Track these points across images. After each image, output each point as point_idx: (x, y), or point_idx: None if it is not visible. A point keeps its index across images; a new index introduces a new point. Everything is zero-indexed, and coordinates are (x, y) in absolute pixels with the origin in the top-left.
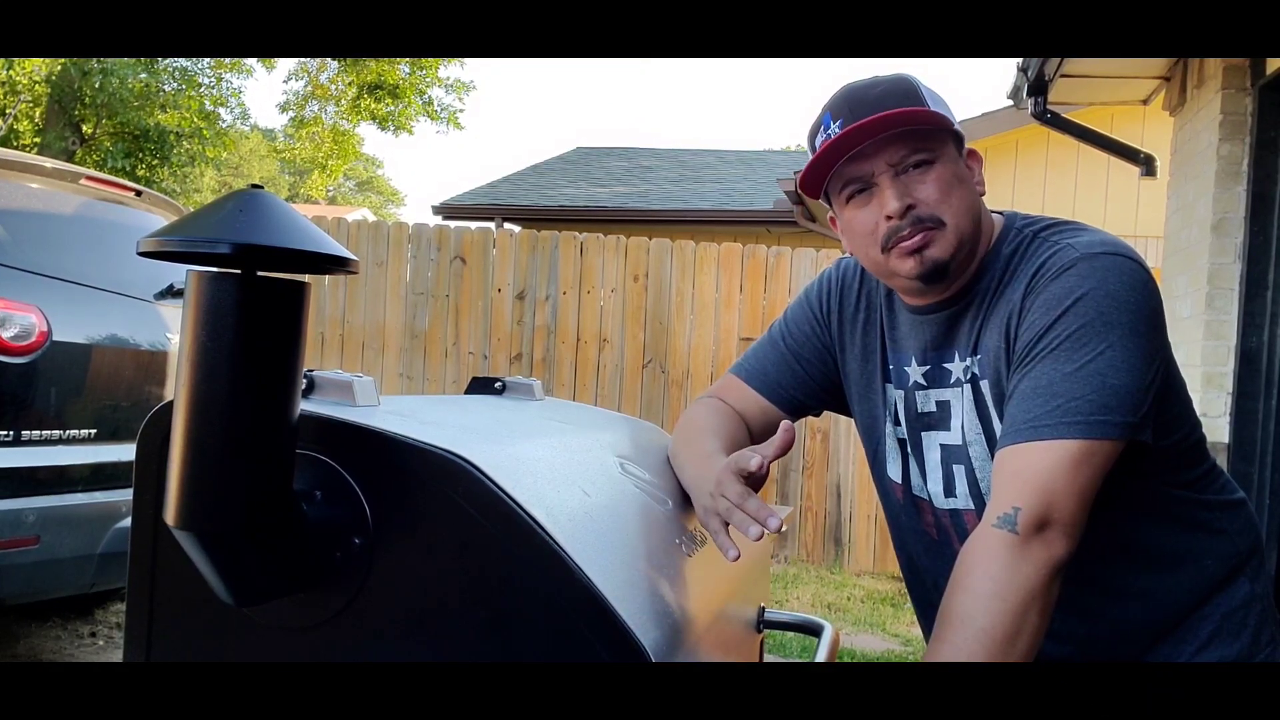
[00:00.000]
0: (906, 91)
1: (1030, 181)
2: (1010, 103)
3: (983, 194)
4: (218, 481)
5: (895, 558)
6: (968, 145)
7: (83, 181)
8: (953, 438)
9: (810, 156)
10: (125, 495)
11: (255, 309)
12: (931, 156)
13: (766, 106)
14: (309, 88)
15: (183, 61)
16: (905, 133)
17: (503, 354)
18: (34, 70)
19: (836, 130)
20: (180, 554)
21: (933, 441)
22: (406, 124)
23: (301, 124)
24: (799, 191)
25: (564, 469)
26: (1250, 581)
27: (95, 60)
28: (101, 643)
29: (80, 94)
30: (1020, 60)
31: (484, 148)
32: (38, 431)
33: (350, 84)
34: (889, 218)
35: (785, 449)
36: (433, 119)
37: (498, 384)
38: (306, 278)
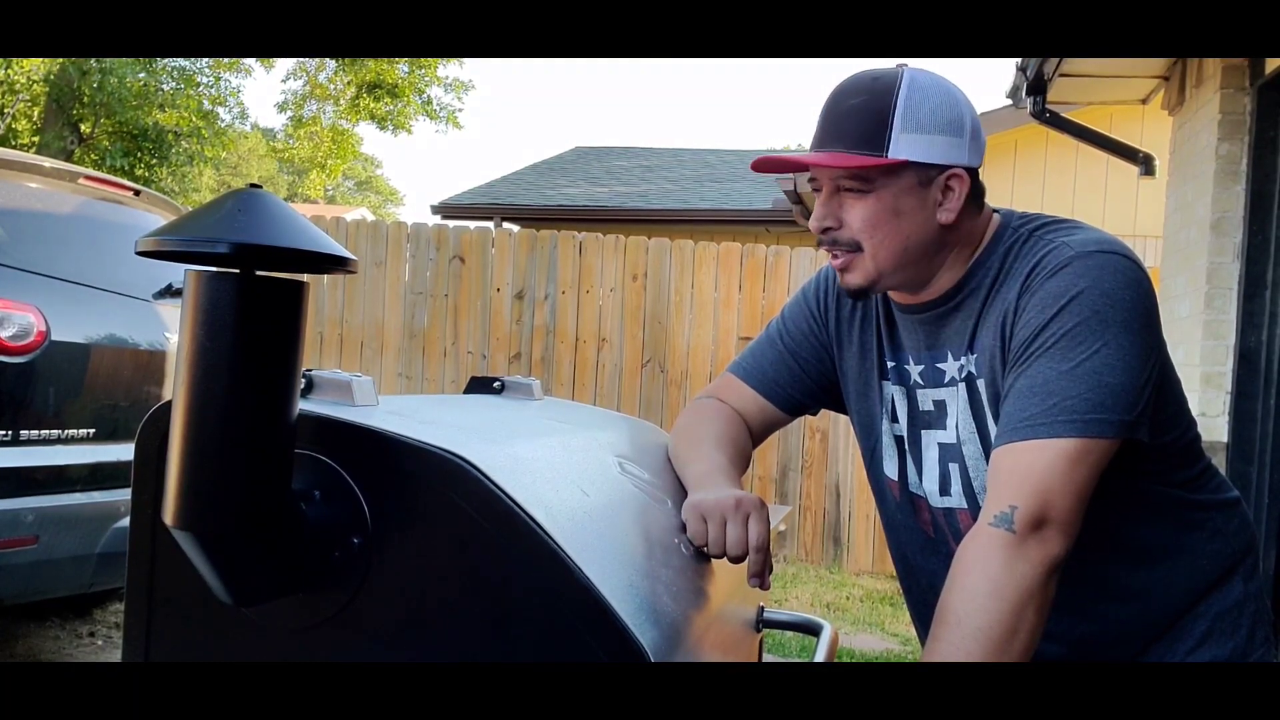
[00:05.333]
0: (876, 112)
1: (1029, 181)
2: (1009, 102)
3: (946, 222)
4: (216, 481)
5: None
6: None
7: (81, 181)
8: (948, 437)
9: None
10: (124, 495)
11: (254, 309)
12: (867, 188)
13: (766, 106)
14: (308, 87)
15: (181, 61)
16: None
17: (501, 353)
18: (32, 70)
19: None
20: (179, 554)
21: (931, 440)
22: (405, 123)
23: (300, 123)
24: (761, 166)
25: (563, 468)
26: (1244, 581)
27: (94, 60)
28: (100, 643)
29: (79, 93)
30: (1019, 60)
31: (483, 147)
32: (36, 431)
33: (349, 83)
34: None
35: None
36: (432, 118)
37: (496, 383)
38: (305, 277)
